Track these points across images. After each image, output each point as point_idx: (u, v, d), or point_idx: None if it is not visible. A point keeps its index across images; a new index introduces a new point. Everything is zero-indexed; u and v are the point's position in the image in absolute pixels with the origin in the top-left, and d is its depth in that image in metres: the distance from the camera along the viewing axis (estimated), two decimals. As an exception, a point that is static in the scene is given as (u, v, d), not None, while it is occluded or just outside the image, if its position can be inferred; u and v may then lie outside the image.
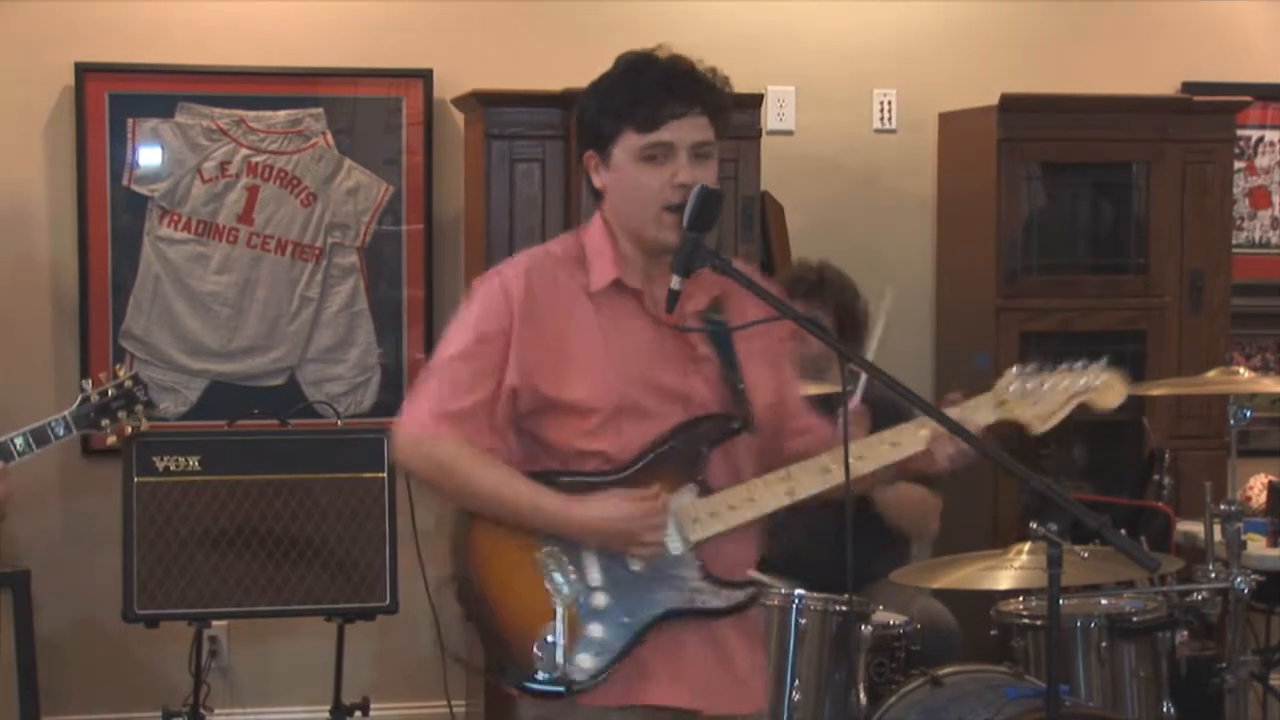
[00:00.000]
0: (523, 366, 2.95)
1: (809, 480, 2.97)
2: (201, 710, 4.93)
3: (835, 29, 5.86)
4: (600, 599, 2.94)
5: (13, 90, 5.39)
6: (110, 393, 3.51)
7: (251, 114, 5.48)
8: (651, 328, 2.99)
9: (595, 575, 2.95)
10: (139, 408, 3.53)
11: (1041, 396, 2.97)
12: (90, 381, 3.52)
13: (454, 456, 2.94)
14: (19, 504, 5.26)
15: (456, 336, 2.99)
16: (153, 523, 4.73)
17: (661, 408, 2.98)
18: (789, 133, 5.80)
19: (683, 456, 2.98)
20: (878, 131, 5.90)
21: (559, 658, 2.89)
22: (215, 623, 5.05)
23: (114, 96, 5.40)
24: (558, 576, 2.94)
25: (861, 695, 4.00)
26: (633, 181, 2.95)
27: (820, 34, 5.85)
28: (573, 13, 5.68)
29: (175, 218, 5.48)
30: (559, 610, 2.92)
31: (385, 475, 4.88)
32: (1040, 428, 2.96)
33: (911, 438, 2.96)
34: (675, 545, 2.96)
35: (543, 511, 2.93)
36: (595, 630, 2.92)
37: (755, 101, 5.38)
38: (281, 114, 5.51)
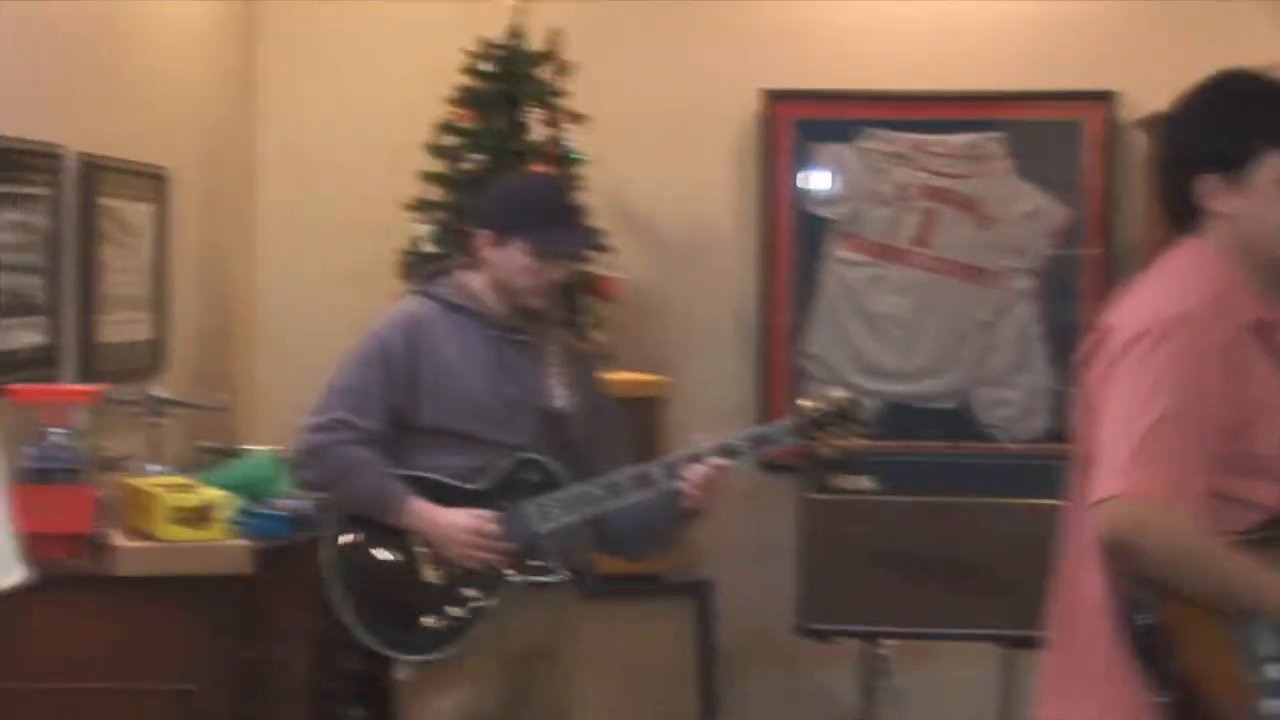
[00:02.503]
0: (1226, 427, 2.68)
1: None
2: (869, 727, 5.05)
3: None
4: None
5: (705, 116, 5.69)
6: (826, 409, 3.69)
7: (932, 138, 5.58)
8: None
9: None
10: (853, 426, 3.70)
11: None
12: (808, 400, 3.74)
13: (1199, 535, 2.59)
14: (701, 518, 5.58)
15: (1168, 393, 2.62)
16: (826, 539, 4.86)
17: None
18: None
19: None
20: None
21: None
22: (885, 641, 5.14)
23: (800, 123, 5.63)
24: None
25: None
26: (1276, 204, 2.74)
27: None
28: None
29: (854, 240, 5.65)
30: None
31: (1058, 503, 4.85)
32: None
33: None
34: None
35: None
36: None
37: None
38: (961, 138, 5.59)
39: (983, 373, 5.64)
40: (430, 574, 3.61)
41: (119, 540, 3.93)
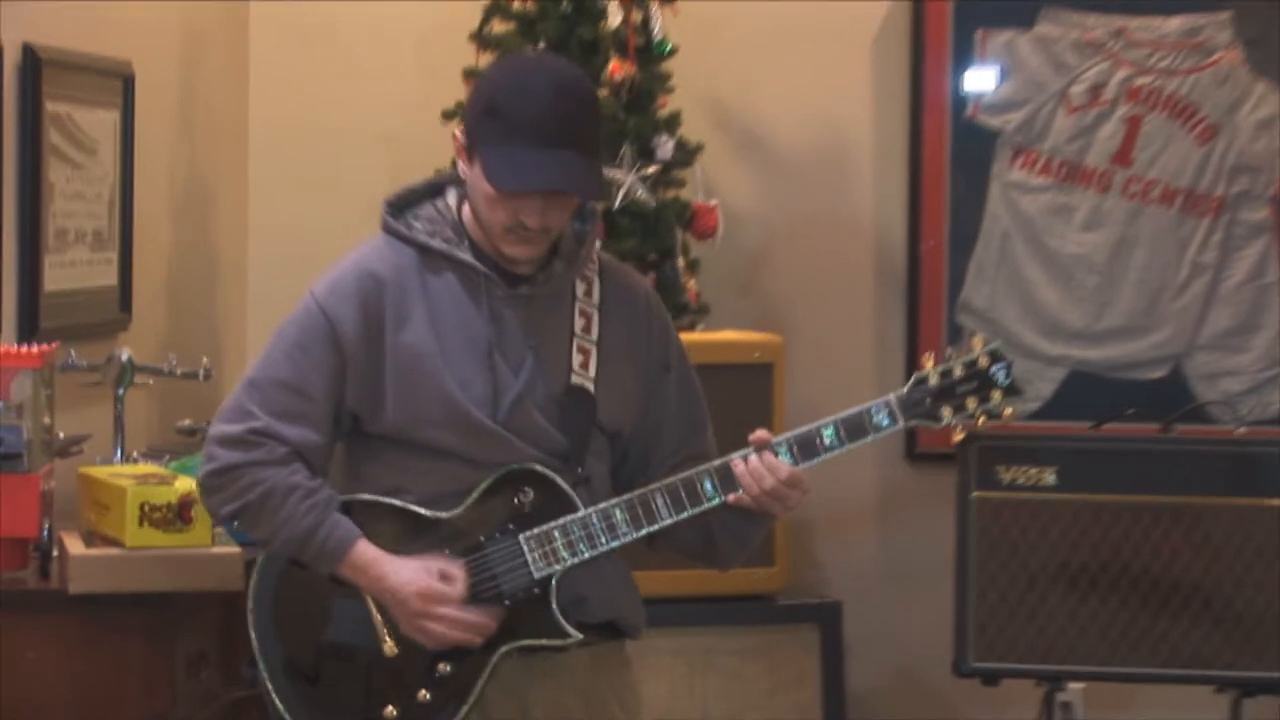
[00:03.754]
0: None
1: None
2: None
3: None
4: None
5: (840, -4, 5.66)
6: (957, 371, 3.25)
7: (1135, 22, 5.56)
8: None
9: None
10: (996, 394, 3.23)
11: None
12: (929, 357, 3.28)
13: None
14: (827, 521, 5.57)
15: None
16: (995, 550, 4.82)
17: None
18: None
19: None
20: None
21: None
22: (1070, 684, 5.12)
23: (960, 4, 5.60)
24: None
25: None
26: None
27: None
28: None
29: (1032, 158, 5.62)
30: None
31: (1307, 503, 4.81)
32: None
33: None
34: None
35: None
36: None
37: None
38: (1175, 21, 5.56)
39: (1202, 333, 5.63)
40: (389, 646, 3.29)
41: (73, 547, 3.93)
